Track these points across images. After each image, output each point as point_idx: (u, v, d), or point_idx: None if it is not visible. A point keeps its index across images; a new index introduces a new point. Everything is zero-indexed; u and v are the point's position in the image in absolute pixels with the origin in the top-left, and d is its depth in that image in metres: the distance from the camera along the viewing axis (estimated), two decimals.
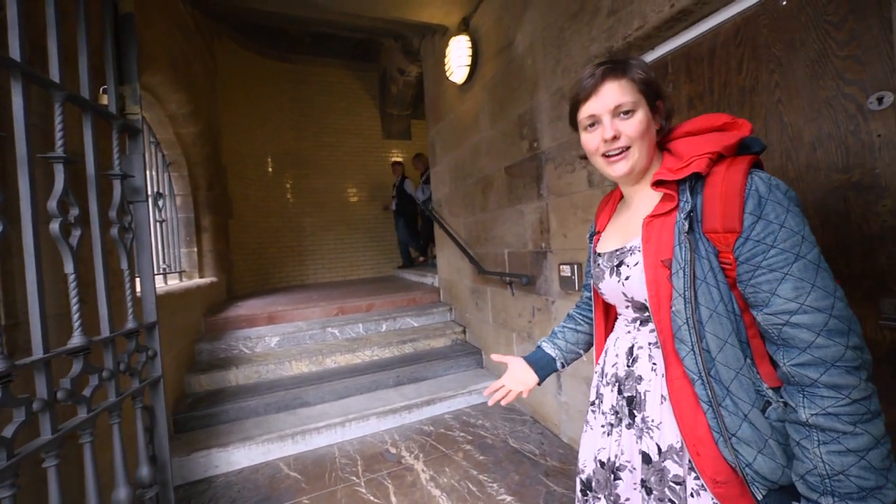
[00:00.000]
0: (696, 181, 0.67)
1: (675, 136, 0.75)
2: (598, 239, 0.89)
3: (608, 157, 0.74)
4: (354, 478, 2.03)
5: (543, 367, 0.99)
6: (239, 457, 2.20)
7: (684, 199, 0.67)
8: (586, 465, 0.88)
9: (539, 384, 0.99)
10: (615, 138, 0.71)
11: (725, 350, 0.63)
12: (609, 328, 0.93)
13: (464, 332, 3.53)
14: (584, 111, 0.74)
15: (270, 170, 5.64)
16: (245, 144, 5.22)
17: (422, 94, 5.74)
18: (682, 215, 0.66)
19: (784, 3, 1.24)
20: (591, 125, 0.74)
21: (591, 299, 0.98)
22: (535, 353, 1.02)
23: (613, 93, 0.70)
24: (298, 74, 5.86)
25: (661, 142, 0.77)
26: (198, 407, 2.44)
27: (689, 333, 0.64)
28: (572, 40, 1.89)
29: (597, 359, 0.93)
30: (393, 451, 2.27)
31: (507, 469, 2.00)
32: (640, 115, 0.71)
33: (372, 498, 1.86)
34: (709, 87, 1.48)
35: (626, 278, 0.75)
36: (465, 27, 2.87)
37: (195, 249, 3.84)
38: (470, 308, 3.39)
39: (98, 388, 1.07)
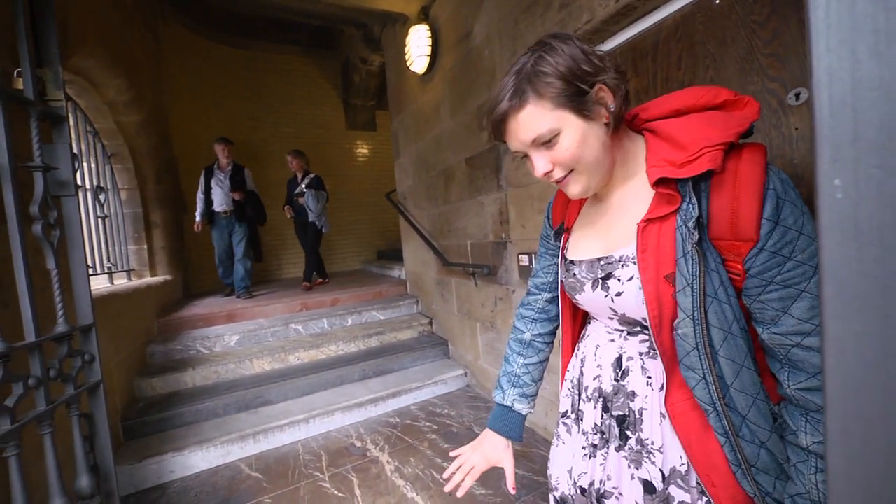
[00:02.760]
0: (701, 178, 0.55)
1: (660, 114, 0.62)
2: (568, 239, 0.75)
3: (557, 181, 0.62)
4: (318, 473, 2.01)
5: (516, 428, 0.83)
6: (196, 460, 2.12)
7: (688, 201, 0.55)
8: (559, 483, 0.77)
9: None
10: (548, 172, 0.60)
11: (742, 375, 0.55)
12: (578, 331, 0.81)
13: (430, 323, 3.55)
14: (509, 146, 0.62)
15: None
16: (198, 134, 4.94)
17: (385, 84, 5.66)
18: (684, 220, 0.55)
19: (717, 1, 1.31)
20: (525, 156, 0.62)
21: (550, 304, 0.86)
22: (507, 418, 0.84)
23: (522, 128, 0.57)
24: (255, 61, 5.59)
25: (636, 121, 0.65)
26: (150, 412, 2.32)
27: (701, 360, 0.55)
28: (527, 32, 1.92)
29: (566, 366, 0.82)
30: (358, 444, 2.26)
31: None
32: (568, 137, 0.56)
33: (336, 492, 1.85)
34: (653, 82, 1.54)
35: (618, 294, 0.62)
36: (424, 17, 2.84)
37: (145, 247, 3.62)
38: (436, 299, 3.40)
39: (23, 396, 1.00)
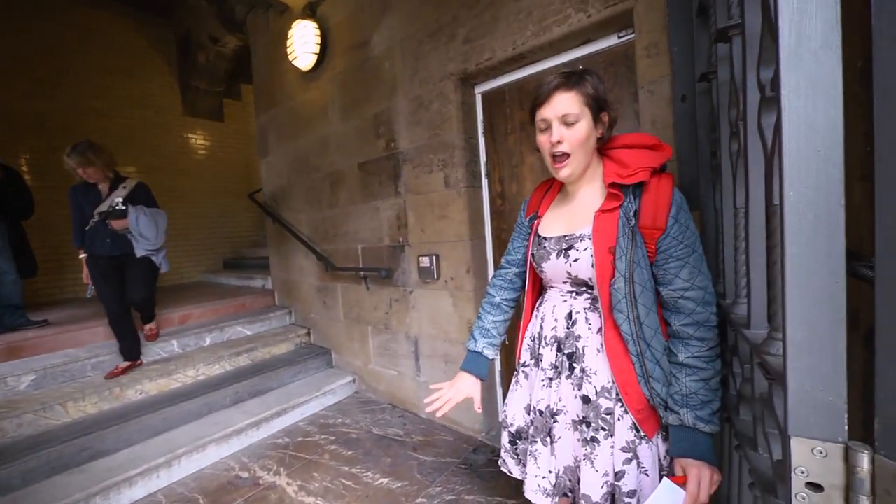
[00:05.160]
0: (636, 186, 0.84)
1: (615, 146, 0.91)
2: (539, 223, 1.02)
3: (555, 160, 0.88)
4: None
5: (483, 368, 1.10)
6: None
7: (629, 200, 0.83)
8: (515, 419, 1.03)
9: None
10: (559, 142, 0.85)
11: (650, 316, 0.83)
12: (536, 298, 1.08)
13: (308, 333, 3.34)
14: (539, 115, 0.87)
15: None
16: None
17: (241, 70, 5.03)
18: (625, 212, 0.83)
19: (581, 67, 1.77)
20: (544, 129, 0.88)
21: (517, 276, 1.13)
22: (477, 361, 1.10)
23: (562, 103, 0.83)
24: (45, 8, 4.18)
25: (603, 148, 0.93)
26: None
27: (627, 305, 0.81)
28: (430, 55, 2.12)
29: (526, 325, 1.07)
30: (245, 474, 1.99)
31: (377, 456, 2.06)
32: (582, 127, 0.84)
33: None
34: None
35: (575, 260, 0.89)
36: (311, 13, 2.74)
37: None
38: (316, 308, 3.23)
39: None
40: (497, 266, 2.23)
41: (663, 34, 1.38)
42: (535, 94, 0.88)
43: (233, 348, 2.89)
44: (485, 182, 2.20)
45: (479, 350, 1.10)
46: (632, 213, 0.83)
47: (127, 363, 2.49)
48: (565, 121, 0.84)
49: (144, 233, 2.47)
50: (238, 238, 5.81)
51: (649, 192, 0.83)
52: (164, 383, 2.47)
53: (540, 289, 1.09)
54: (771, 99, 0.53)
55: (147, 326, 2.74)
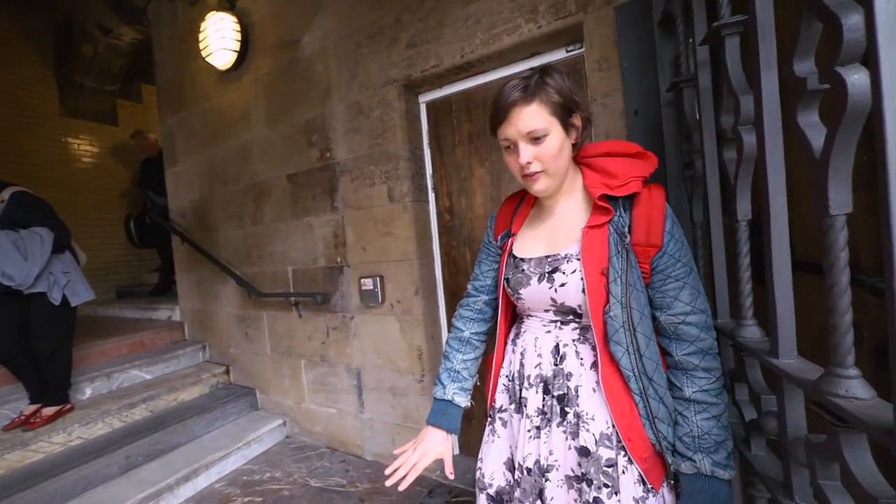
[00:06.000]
0: (625, 199, 0.74)
1: (595, 154, 0.80)
2: (514, 242, 0.87)
3: (526, 176, 0.76)
4: None
5: (455, 420, 0.90)
6: None
7: (618, 214, 0.73)
8: (494, 477, 0.86)
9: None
10: (529, 163, 0.73)
11: (650, 346, 0.72)
12: (510, 329, 0.92)
13: (227, 372, 2.86)
14: (500, 134, 0.75)
15: None
16: None
17: (140, 67, 4.37)
18: (616, 228, 0.72)
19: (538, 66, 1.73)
20: (508, 148, 0.76)
21: (487, 305, 0.96)
22: (447, 412, 0.90)
23: (524, 120, 0.71)
24: None
25: (578, 156, 0.81)
26: None
27: (625, 336, 0.70)
28: (371, 59, 1.95)
29: (500, 361, 0.91)
30: None
31: None
32: (553, 141, 0.72)
33: None
34: (483, 128, 1.86)
35: (562, 285, 0.76)
36: (228, 5, 2.42)
37: None
38: (236, 341, 2.78)
39: None
40: (450, 287, 2.11)
41: (614, 49, 1.37)
42: (492, 109, 0.76)
43: (124, 399, 2.34)
44: (432, 196, 2.06)
45: (449, 398, 0.91)
46: (625, 229, 0.72)
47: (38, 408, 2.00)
48: (532, 137, 0.72)
49: (6, 269, 1.91)
50: (136, 262, 4.96)
51: (641, 205, 0.72)
52: (18, 457, 1.88)
53: (513, 317, 0.94)
54: (815, 92, 0.45)
55: (32, 410, 2.04)
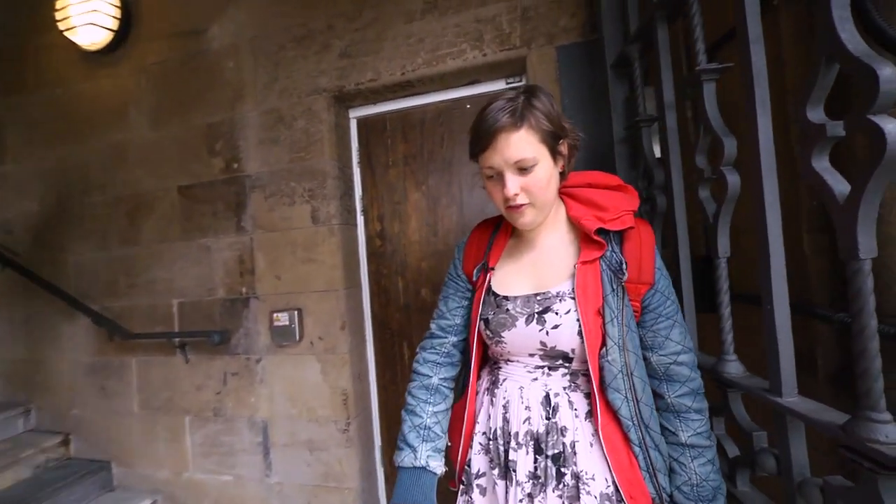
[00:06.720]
0: (616, 234, 0.70)
1: (577, 184, 0.76)
2: (491, 277, 0.78)
3: (511, 208, 0.69)
4: None
5: (430, 491, 0.75)
6: None
7: (611, 249, 0.69)
8: None
9: None
10: (516, 195, 0.67)
11: (646, 390, 0.68)
12: (480, 375, 0.83)
13: (65, 442, 2.14)
14: (483, 161, 0.68)
15: None
16: None
17: None
18: (608, 264, 0.68)
19: (468, 106, 1.72)
20: (492, 177, 0.69)
21: (455, 347, 0.85)
22: (419, 483, 0.75)
23: (512, 147, 0.65)
24: None
25: (560, 186, 0.76)
26: None
27: (624, 381, 0.65)
28: (296, 64, 1.74)
29: (473, 414, 0.79)
30: None
31: None
32: (542, 170, 0.66)
33: None
34: (420, 151, 1.78)
35: (554, 327, 0.68)
36: None
37: None
38: (83, 398, 2.12)
39: None
40: (379, 319, 1.89)
41: (556, 86, 1.43)
42: (473, 133, 0.69)
43: None
44: (360, 219, 1.88)
45: (423, 464, 0.75)
46: (623, 266, 0.67)
47: None
48: (520, 166, 0.66)
49: None
50: None
51: (631, 241, 0.69)
52: None
53: (483, 361, 0.84)
54: (832, 139, 0.46)
55: None
